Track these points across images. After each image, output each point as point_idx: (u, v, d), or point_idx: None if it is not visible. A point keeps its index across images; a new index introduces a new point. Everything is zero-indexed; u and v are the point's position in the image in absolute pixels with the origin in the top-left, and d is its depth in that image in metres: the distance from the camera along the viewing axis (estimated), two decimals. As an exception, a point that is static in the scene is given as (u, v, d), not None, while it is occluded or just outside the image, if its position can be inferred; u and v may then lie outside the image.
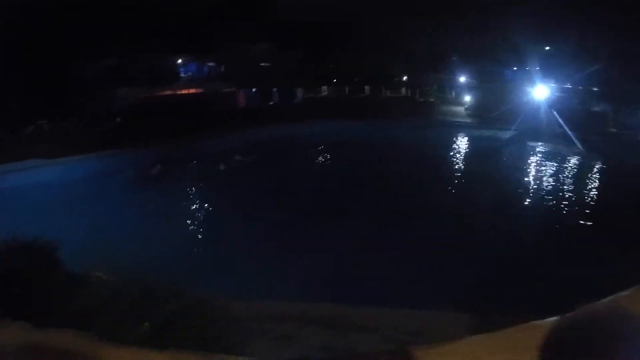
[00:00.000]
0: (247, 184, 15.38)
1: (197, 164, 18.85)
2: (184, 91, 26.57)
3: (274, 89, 27.71)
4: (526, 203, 13.94)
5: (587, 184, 16.08)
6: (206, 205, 14.65)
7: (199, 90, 26.71)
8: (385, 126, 24.12)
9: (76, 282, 4.98)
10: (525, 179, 16.95)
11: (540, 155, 20.41)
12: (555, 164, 18.69)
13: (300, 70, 28.13)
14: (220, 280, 7.36)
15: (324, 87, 31.32)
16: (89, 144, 18.40)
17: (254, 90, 27.53)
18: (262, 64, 28.63)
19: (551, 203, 13.60)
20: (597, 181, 16.65)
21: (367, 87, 31.10)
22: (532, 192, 15.11)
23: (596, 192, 15.08)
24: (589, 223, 11.76)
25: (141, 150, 18.80)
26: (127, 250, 7.54)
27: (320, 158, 20.97)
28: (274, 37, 27.87)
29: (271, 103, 27.45)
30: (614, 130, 23.96)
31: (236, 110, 25.55)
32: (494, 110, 25.17)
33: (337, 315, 5.89)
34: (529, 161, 19.60)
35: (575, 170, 18.30)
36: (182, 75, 29.58)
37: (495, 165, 18.02)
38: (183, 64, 29.69)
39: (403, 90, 32.12)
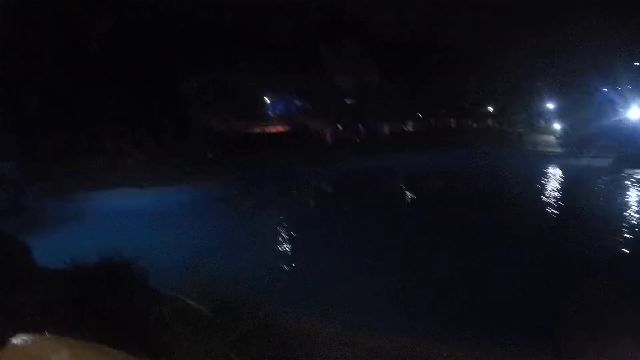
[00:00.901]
0: (339, 213, 16.10)
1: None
2: (274, 128, 27.98)
3: (359, 125, 28.48)
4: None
5: None
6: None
7: (287, 127, 28.02)
8: (470, 157, 24.05)
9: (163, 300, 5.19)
10: (624, 213, 15.66)
11: (636, 183, 19.04)
12: None
13: (385, 105, 28.71)
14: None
15: (409, 122, 31.81)
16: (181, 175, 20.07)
17: (339, 126, 28.45)
18: (348, 101, 29.48)
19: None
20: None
21: (452, 120, 31.21)
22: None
23: None
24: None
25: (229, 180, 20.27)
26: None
27: (408, 188, 21.21)
28: (360, 73, 28.68)
29: (358, 138, 28.24)
30: None
31: (324, 144, 26.57)
32: (586, 137, 23.87)
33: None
34: (627, 193, 18.23)
35: None
36: (270, 112, 30.94)
37: (591, 200, 16.92)
38: (272, 101, 31.08)
39: (489, 121, 31.78)
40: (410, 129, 31.79)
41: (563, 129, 27.09)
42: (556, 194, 19.26)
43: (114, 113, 20.80)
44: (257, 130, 27.60)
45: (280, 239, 14.07)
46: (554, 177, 22.32)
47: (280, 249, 13.18)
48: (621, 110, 24.85)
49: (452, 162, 23.69)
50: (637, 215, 15.34)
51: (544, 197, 18.31)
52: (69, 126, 20.17)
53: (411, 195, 20.04)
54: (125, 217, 15.30)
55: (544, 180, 21.53)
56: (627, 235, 13.01)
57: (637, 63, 26.49)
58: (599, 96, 26.70)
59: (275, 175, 20.68)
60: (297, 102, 31.19)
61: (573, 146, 24.49)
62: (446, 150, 25.19)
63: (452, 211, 15.62)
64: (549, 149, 26.11)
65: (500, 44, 27.14)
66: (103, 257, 5.35)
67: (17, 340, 2.87)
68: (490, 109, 31.80)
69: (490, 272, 9.77)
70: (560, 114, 27.94)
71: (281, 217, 16.30)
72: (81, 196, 17.47)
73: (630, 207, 16.39)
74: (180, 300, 4.83)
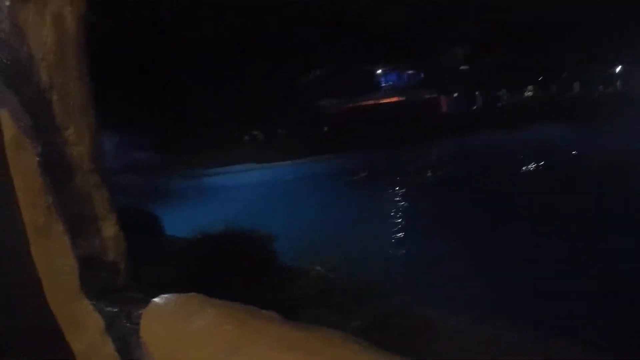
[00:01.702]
0: (452, 196, 15.30)
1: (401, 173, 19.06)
2: (386, 100, 27.31)
3: (477, 92, 27.05)
4: None
5: None
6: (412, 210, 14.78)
7: (400, 99, 27.23)
8: (599, 132, 21.85)
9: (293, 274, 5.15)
10: None
11: None
12: None
13: (502, 71, 26.96)
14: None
15: (529, 87, 29.65)
16: (298, 151, 20.15)
17: (455, 95, 27.19)
18: (462, 67, 28.06)
19: None
20: None
21: (576, 84, 28.65)
22: None
23: None
24: None
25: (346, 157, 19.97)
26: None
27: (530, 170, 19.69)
28: (473, 38, 27.10)
29: (474, 107, 26.87)
30: None
31: (438, 116, 25.58)
32: None
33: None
34: None
35: None
36: (383, 84, 30.33)
37: None
38: (383, 74, 30.41)
39: (618, 84, 28.97)
40: (533, 96, 29.62)
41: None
42: None
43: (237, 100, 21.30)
44: (370, 103, 27.13)
45: (404, 222, 13.63)
46: None
47: (406, 234, 12.64)
48: None
49: (579, 138, 21.56)
50: None
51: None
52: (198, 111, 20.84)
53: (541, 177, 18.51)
54: (252, 190, 15.64)
55: None
56: None
57: None
58: None
59: (393, 151, 20.28)
60: (408, 74, 30.24)
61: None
62: (576, 124, 23.01)
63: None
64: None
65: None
66: (231, 227, 5.38)
67: (161, 299, 2.89)
68: (618, 70, 28.80)
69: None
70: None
71: (405, 199, 15.90)
72: (212, 173, 18.13)
73: None
74: (312, 272, 4.94)
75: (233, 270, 4.62)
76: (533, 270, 8.70)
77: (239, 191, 16.06)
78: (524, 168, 19.27)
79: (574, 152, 20.29)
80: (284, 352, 2.28)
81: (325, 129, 25.03)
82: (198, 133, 19.98)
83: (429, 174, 17.90)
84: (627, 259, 9.14)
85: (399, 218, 13.90)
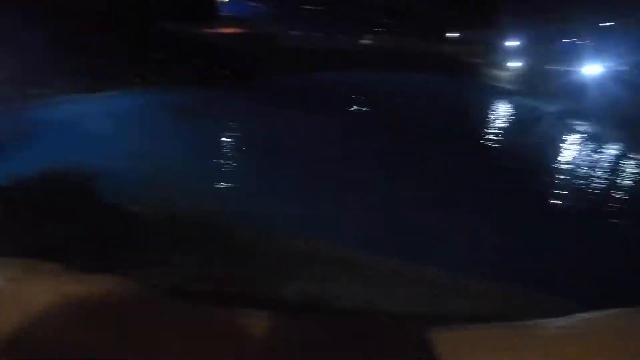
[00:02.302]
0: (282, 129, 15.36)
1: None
2: (226, 30, 26.35)
3: (318, 33, 27.18)
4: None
5: (610, 172, 14.99)
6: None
7: (242, 30, 26.47)
8: (424, 81, 23.56)
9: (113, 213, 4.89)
10: (545, 156, 16.10)
11: (576, 135, 19.47)
12: (585, 147, 17.94)
13: (345, 16, 27.36)
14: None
15: (369, 36, 30.57)
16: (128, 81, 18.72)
17: (297, 33, 27.06)
18: (306, 7, 27.93)
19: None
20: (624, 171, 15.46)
21: (413, 39, 30.24)
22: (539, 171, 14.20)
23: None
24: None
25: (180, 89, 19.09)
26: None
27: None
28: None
29: (312, 47, 26.91)
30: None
31: (278, 51, 25.25)
32: (540, 80, 24.36)
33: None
34: (561, 139, 18.64)
35: (605, 157, 17.36)
36: (224, 13, 29.15)
37: (522, 138, 17.64)
38: (226, 2, 29.25)
39: (449, 46, 31.17)
40: (371, 43, 30.62)
41: (520, 68, 27.30)
42: (500, 125, 19.96)
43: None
44: (209, 32, 25.94)
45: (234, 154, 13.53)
46: (498, 112, 22.66)
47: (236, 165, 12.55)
48: (581, 63, 24.92)
49: (403, 83, 23.03)
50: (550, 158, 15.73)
51: (487, 129, 18.72)
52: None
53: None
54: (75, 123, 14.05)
55: (493, 113, 21.96)
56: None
57: (602, 24, 26.73)
58: (564, 45, 27.31)
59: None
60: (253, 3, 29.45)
61: (524, 86, 25.06)
62: (405, 72, 24.46)
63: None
64: (502, 85, 26.23)
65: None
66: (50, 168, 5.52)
67: None
68: (456, 35, 31.02)
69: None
70: (519, 54, 27.99)
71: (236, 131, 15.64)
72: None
73: (558, 153, 16.79)
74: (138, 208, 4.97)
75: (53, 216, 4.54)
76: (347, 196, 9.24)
77: (60, 126, 14.25)
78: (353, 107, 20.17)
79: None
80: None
81: (159, 56, 23.40)
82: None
83: (262, 106, 17.74)
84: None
85: (229, 150, 13.78)
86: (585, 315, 2.76)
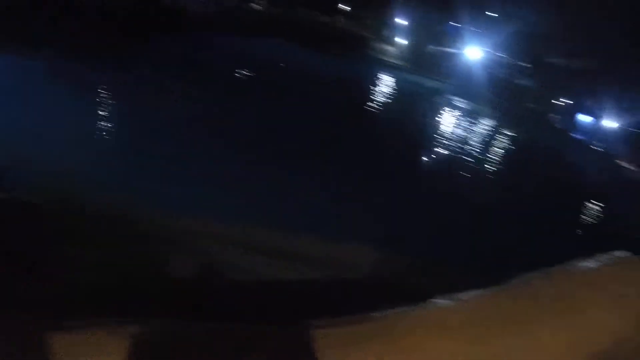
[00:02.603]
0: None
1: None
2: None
3: None
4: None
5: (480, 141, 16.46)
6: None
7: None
8: (308, 54, 22.85)
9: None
10: (428, 126, 16.91)
11: (454, 109, 20.51)
12: (463, 120, 19.03)
13: None
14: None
15: (261, 1, 29.29)
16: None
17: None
18: None
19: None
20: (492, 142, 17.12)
21: (302, 9, 29.51)
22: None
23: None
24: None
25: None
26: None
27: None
28: None
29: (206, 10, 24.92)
30: (532, 105, 24.99)
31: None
32: (425, 59, 25.03)
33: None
34: (440, 112, 19.75)
35: (480, 130, 18.74)
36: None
37: (406, 111, 17.80)
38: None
39: (342, 19, 30.99)
40: (261, 9, 29.34)
41: (408, 45, 27.77)
42: (382, 100, 19.71)
43: None
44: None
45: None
46: (387, 87, 22.74)
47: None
48: (464, 46, 25.92)
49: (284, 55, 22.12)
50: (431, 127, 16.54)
51: (369, 103, 18.42)
52: None
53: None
54: None
55: (376, 87, 21.89)
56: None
57: (488, 13, 27.70)
58: (449, 29, 28.25)
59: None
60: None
61: (411, 63, 25.41)
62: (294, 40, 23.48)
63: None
64: (390, 60, 26.14)
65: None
66: None
67: None
68: (348, 8, 30.82)
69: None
70: (407, 32, 28.48)
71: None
72: None
73: (432, 122, 17.69)
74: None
75: None
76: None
77: None
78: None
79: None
80: None
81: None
82: None
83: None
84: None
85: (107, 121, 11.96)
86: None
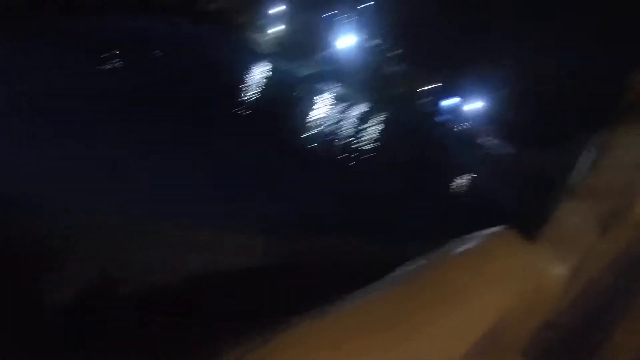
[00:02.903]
0: None
1: None
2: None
3: None
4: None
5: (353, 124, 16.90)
6: None
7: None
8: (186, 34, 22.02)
9: None
10: (303, 111, 17.40)
11: (327, 95, 20.90)
12: (337, 105, 19.60)
13: None
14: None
15: None
16: None
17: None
18: None
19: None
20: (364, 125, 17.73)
21: None
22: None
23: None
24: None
25: None
26: None
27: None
28: None
29: None
30: (402, 90, 26.24)
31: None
32: (299, 46, 25.09)
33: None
34: (315, 98, 20.07)
35: (353, 114, 19.27)
36: None
37: (281, 97, 17.72)
38: None
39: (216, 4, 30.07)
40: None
41: (281, 33, 27.68)
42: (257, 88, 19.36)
43: None
44: None
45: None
46: (256, 75, 22.19)
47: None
48: (339, 34, 26.27)
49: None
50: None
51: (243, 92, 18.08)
52: None
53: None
54: None
55: (248, 76, 21.29)
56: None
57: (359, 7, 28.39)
58: (323, 17, 28.60)
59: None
60: None
61: (285, 50, 25.17)
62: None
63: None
64: (268, 48, 25.97)
65: None
66: None
67: None
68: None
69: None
70: (281, 19, 28.37)
71: None
72: None
73: (312, 112, 18.05)
74: None
75: None
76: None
77: None
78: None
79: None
80: None
81: None
82: None
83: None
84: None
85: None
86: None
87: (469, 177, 15.07)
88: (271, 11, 29.34)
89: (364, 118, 18.70)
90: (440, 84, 31.22)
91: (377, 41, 27.04)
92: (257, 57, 24.06)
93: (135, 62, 16.58)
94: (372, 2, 28.35)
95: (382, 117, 18.51)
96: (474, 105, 27.15)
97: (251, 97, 17.13)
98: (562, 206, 2.40)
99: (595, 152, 2.67)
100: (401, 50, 27.95)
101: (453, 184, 13.73)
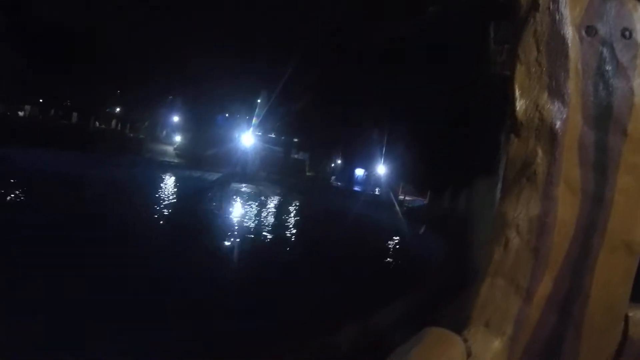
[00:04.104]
0: None
1: None
2: None
3: None
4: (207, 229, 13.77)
5: (278, 218, 17.26)
6: None
7: None
8: (89, 161, 21.38)
9: None
10: (223, 214, 17.11)
11: (243, 195, 21.11)
12: (254, 202, 19.66)
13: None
14: None
15: (27, 107, 26.97)
16: None
17: None
18: None
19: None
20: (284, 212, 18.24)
21: (75, 114, 27.93)
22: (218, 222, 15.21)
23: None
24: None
25: None
26: None
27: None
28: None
29: None
30: (310, 174, 27.28)
31: None
32: (202, 153, 25.54)
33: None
34: (232, 200, 20.05)
35: (271, 206, 19.69)
36: None
37: (197, 203, 17.65)
38: None
39: (114, 122, 30.16)
40: (25, 115, 26.87)
41: (182, 143, 28.11)
42: (166, 197, 19.17)
43: None
44: None
45: None
46: (168, 185, 22.32)
47: None
48: (236, 135, 27.20)
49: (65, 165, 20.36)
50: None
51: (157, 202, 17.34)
52: None
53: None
54: None
55: (159, 187, 21.12)
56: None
57: (258, 100, 29.71)
58: (220, 120, 29.52)
59: None
60: None
61: (188, 159, 25.50)
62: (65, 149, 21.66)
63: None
64: (167, 159, 26.17)
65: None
66: None
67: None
68: (117, 110, 30.05)
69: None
70: (181, 130, 28.94)
71: None
72: None
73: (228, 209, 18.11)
74: None
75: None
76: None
77: None
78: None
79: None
80: None
81: None
82: None
83: None
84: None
85: None
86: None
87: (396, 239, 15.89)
88: (170, 121, 29.83)
89: (279, 205, 19.15)
90: (340, 162, 33.12)
91: (276, 134, 28.25)
92: (165, 168, 24.05)
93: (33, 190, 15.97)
94: (259, 100, 29.85)
95: (296, 201, 19.02)
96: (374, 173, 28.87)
97: (164, 209, 16.77)
98: (483, 284, 2.75)
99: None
100: (297, 140, 29.33)
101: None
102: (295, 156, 29.69)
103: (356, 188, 31.17)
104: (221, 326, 6.75)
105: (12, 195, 14.97)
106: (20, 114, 26.86)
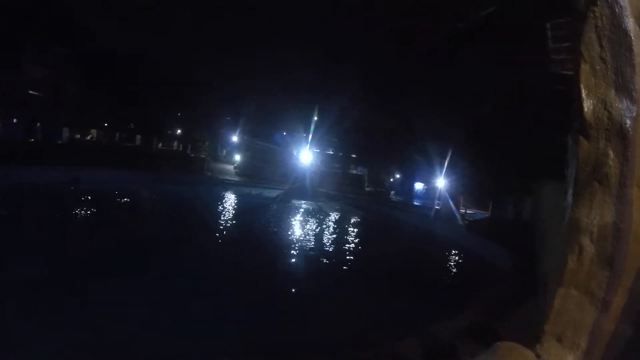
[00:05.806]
0: None
1: None
2: None
3: (38, 124, 23.63)
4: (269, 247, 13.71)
5: (338, 233, 16.84)
6: None
7: None
8: (155, 180, 22.22)
9: None
10: (284, 230, 16.90)
11: (303, 211, 21.10)
12: (313, 218, 19.52)
13: (70, 105, 24.43)
14: None
15: (93, 130, 28.42)
16: None
17: (14, 120, 23.12)
18: (32, 92, 24.08)
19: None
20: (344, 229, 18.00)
21: (138, 137, 29.10)
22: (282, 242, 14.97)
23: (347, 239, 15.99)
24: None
25: None
26: None
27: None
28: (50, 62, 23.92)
29: (32, 140, 23.07)
30: (369, 189, 27.06)
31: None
32: (261, 171, 25.84)
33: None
34: (294, 217, 19.88)
35: (331, 222, 19.48)
36: None
37: (259, 221, 17.71)
38: None
39: (175, 144, 31.12)
40: (92, 138, 28.30)
41: (242, 161, 28.53)
42: (230, 215, 19.10)
43: None
44: None
45: None
46: (229, 202, 22.47)
47: None
48: (295, 153, 27.33)
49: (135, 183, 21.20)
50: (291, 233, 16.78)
51: (220, 220, 17.58)
52: None
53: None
54: None
55: (221, 203, 21.50)
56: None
57: (315, 118, 29.94)
58: (279, 138, 29.88)
59: None
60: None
61: (249, 177, 26.02)
62: (131, 169, 22.57)
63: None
64: (228, 177, 26.72)
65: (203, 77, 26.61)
66: None
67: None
68: (178, 132, 31.01)
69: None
70: (241, 148, 29.42)
71: None
72: None
73: (295, 228, 17.78)
74: None
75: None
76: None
77: None
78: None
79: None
80: None
81: None
82: None
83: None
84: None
85: None
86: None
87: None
88: (232, 141, 30.54)
89: (341, 221, 18.88)
90: (398, 176, 32.82)
91: (333, 150, 28.36)
92: (227, 186, 24.67)
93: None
94: (315, 118, 30.08)
95: (358, 217, 18.79)
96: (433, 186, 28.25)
97: (231, 221, 16.96)
98: (556, 295, 2.58)
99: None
100: (355, 155, 29.30)
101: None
102: (354, 172, 29.62)
103: (416, 202, 30.80)
104: (292, 336, 6.75)
105: (97, 213, 15.73)
106: (87, 137, 28.34)
